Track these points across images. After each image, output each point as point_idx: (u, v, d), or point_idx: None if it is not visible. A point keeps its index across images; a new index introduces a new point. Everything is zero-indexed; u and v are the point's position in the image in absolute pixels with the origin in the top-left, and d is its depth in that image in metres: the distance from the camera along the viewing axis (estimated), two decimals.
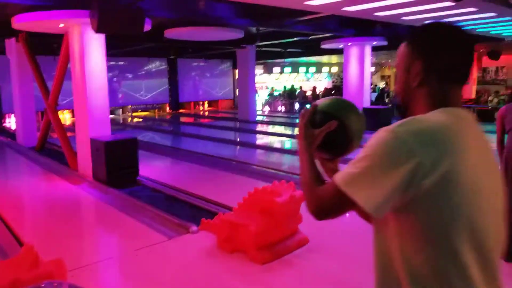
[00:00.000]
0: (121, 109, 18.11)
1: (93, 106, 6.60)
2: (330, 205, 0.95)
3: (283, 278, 3.17)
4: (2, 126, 14.14)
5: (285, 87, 21.29)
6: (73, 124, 10.54)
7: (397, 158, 0.85)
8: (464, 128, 0.93)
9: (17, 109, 10.18)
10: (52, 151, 9.10)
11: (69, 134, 7.94)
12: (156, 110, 18.97)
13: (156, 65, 18.12)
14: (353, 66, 11.51)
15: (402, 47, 1.03)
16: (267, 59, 18.40)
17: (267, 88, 22.19)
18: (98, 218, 5.18)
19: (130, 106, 18.14)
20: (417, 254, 0.89)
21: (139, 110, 18.42)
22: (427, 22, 1.02)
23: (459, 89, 0.99)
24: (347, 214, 1.00)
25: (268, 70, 22.11)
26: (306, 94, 20.49)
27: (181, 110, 19.28)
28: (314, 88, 20.36)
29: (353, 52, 11.38)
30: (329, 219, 0.97)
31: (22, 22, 6.79)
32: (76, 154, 7.08)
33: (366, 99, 11.63)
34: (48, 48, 10.95)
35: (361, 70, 11.40)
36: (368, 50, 11.39)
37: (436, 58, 0.96)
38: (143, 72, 17.79)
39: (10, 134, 11.92)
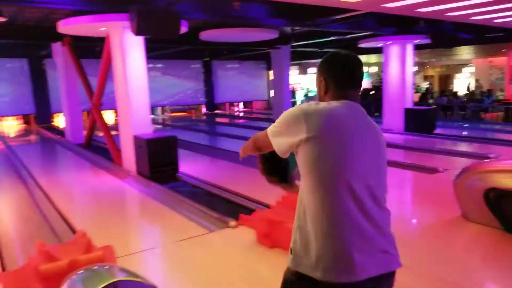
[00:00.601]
0: (160, 109, 18.72)
1: (135, 106, 6.84)
2: (262, 144, 1.57)
3: None
4: (52, 125, 15.06)
5: None
6: (116, 123, 11.03)
7: (293, 125, 1.39)
8: (349, 112, 1.41)
9: (65, 109, 10.79)
10: (98, 147, 9.57)
11: (112, 132, 8.33)
12: (193, 111, 19.41)
13: (192, 67, 18.55)
14: (394, 65, 11.01)
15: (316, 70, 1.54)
16: (303, 59, 18.28)
17: (302, 89, 22.05)
18: (142, 210, 5.39)
19: (168, 107, 18.72)
20: (307, 186, 1.38)
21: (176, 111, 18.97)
22: (329, 52, 1.52)
23: (355, 91, 1.48)
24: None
25: (304, 70, 21.99)
26: None
27: (216, 111, 19.63)
28: None
29: (394, 51, 10.92)
30: (261, 152, 1.64)
31: (66, 26, 7.14)
32: (120, 151, 7.41)
33: (408, 100, 11.10)
34: (91, 51, 11.50)
35: (402, 70, 10.90)
36: (410, 48, 10.86)
37: (331, 75, 1.47)
38: (180, 74, 18.28)
39: (59, 132, 12.66)
